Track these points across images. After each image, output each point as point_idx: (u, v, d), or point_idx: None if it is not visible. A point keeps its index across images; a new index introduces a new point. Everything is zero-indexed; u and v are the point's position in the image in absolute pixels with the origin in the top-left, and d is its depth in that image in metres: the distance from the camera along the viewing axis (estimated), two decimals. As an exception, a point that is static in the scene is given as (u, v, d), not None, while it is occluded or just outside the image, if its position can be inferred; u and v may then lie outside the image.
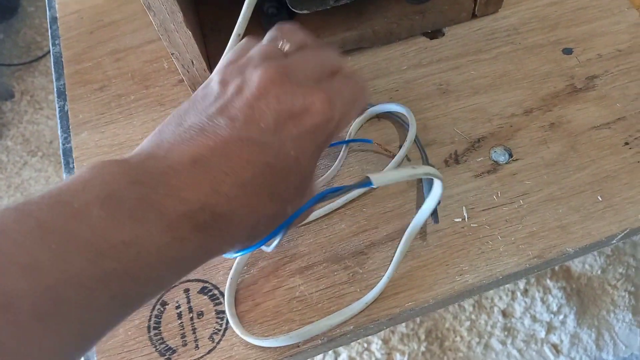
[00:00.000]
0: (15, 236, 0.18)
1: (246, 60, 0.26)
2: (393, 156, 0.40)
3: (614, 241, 0.37)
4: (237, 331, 0.35)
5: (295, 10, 0.42)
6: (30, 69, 1.44)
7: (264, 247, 0.32)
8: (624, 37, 0.45)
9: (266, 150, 0.23)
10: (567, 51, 0.45)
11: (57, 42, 0.53)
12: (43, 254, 0.18)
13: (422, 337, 0.85)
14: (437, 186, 0.33)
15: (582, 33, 0.46)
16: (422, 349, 0.85)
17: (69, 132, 0.45)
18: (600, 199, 0.37)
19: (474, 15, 0.47)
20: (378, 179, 0.27)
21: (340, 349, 0.85)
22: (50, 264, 0.18)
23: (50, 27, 0.54)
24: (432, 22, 0.46)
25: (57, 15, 0.55)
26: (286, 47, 0.28)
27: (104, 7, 0.54)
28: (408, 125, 0.41)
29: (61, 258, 0.18)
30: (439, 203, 0.36)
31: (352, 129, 0.42)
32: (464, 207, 0.38)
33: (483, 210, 0.38)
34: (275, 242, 0.28)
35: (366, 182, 0.27)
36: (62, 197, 0.20)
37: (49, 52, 1.44)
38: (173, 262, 0.21)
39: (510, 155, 0.40)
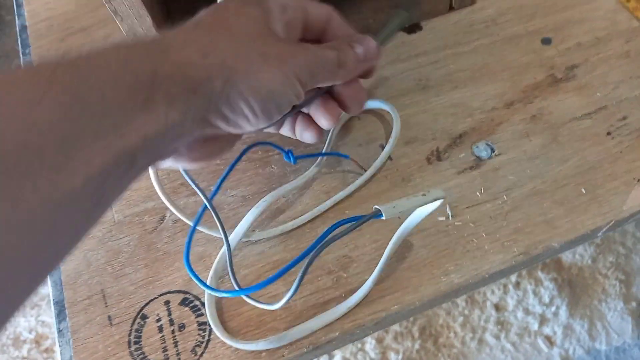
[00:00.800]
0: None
1: None
2: (364, 172, 0.39)
3: (600, 234, 0.36)
4: (217, 332, 0.33)
5: (268, 10, 0.41)
6: (9, 79, 1.42)
7: (266, 307, 0.32)
8: (603, 23, 0.45)
9: None
10: (546, 41, 0.44)
11: (27, 51, 0.51)
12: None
13: (416, 334, 0.85)
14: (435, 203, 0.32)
15: (560, 21, 0.45)
16: (417, 346, 0.84)
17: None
18: (584, 192, 0.37)
19: (451, 8, 0.46)
20: (388, 211, 0.28)
21: (334, 350, 0.85)
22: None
23: (20, 36, 0.53)
24: (409, 16, 0.45)
25: (27, 23, 0.53)
26: None
27: (74, 13, 0.53)
28: (392, 122, 0.40)
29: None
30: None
31: (332, 132, 0.41)
32: (447, 205, 0.37)
33: (467, 207, 0.37)
34: (285, 299, 0.29)
35: (377, 214, 0.28)
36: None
37: (28, 61, 1.42)
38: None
39: (493, 150, 0.39)
